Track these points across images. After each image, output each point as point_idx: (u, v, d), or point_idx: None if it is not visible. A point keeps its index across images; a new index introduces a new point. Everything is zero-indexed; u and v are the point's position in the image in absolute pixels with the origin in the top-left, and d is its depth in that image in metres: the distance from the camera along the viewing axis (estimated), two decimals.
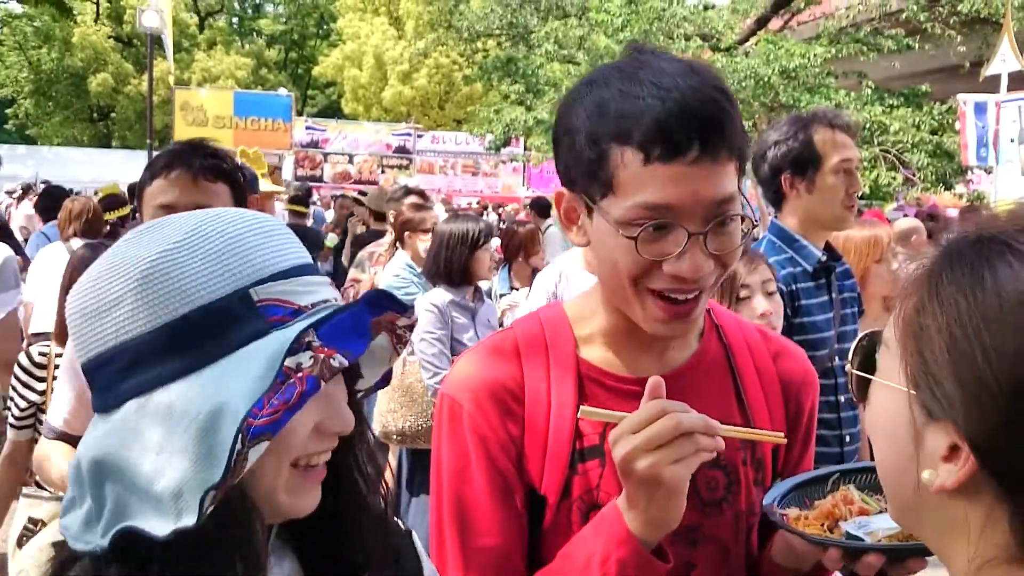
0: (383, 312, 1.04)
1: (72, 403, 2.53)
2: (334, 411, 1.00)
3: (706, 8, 18.52)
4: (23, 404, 3.15)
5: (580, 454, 1.36)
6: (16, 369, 3.20)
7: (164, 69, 30.49)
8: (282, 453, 0.95)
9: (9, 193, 19.35)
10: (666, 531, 1.23)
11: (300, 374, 0.89)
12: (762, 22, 18.84)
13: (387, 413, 4.69)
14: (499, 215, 21.06)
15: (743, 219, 1.28)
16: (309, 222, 11.51)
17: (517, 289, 6.92)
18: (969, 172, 15.85)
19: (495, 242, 6.81)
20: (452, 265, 4.67)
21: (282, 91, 32.29)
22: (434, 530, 1.42)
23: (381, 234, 7.43)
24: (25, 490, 3.11)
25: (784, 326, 2.77)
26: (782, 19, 19.57)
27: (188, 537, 0.84)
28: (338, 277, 8.02)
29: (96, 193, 7.86)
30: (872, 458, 0.99)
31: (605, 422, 1.31)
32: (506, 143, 20.06)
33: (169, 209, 2.14)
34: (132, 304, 0.91)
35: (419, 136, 31.44)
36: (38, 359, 3.19)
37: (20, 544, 2.94)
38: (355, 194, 10.82)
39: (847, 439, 3.00)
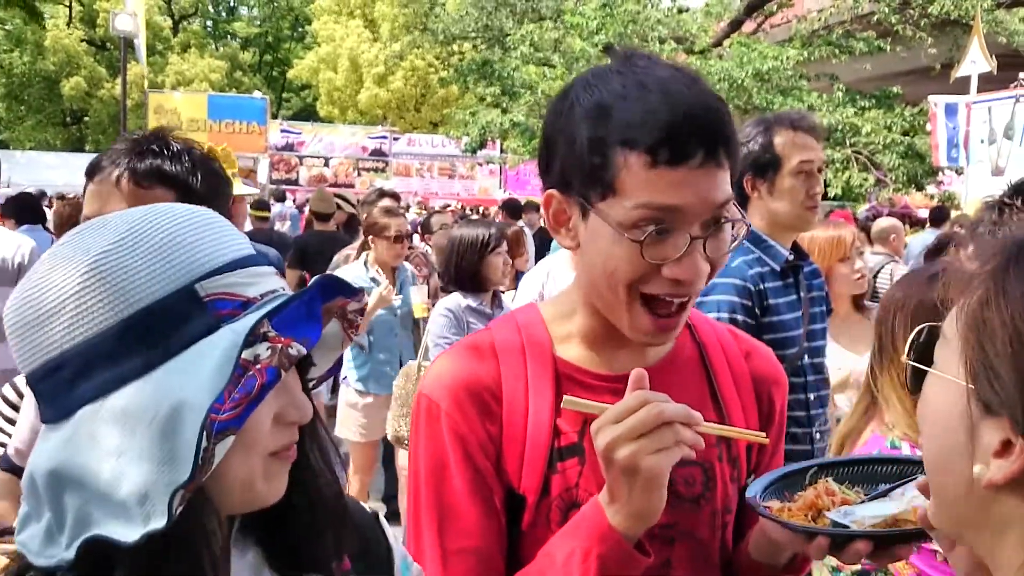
0: (334, 297, 1.04)
1: (27, 432, 2.23)
2: (291, 400, 0.98)
3: (680, 11, 18.62)
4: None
5: (559, 452, 1.36)
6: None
7: (138, 72, 30.28)
8: (248, 446, 0.93)
9: None
10: (647, 524, 1.23)
11: (259, 366, 0.88)
12: (735, 25, 18.97)
13: (399, 418, 4.66)
14: (484, 216, 21.05)
15: (733, 224, 1.30)
16: (279, 226, 11.53)
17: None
18: (940, 173, 16.01)
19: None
20: (463, 271, 4.65)
21: (257, 94, 32.09)
22: (411, 533, 1.41)
23: (327, 235, 7.84)
24: None
25: (753, 325, 2.80)
26: (755, 22, 19.71)
27: (148, 540, 0.83)
28: None
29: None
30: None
31: (584, 419, 1.32)
32: (482, 145, 20.06)
33: None
34: (74, 309, 0.89)
35: (395, 139, 31.36)
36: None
37: None
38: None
39: (817, 436, 3.03)
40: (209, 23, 52.98)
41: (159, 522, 0.82)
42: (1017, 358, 0.80)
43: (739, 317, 2.79)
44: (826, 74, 17.35)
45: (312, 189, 25.18)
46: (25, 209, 7.44)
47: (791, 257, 3.03)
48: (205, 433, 0.84)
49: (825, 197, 2.74)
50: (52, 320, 0.89)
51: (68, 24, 40.99)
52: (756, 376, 1.51)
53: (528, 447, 1.36)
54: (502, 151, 23.54)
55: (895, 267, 7.70)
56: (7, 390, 2.99)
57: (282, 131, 30.14)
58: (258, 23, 52.09)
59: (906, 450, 1.94)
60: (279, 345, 0.90)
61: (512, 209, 11.84)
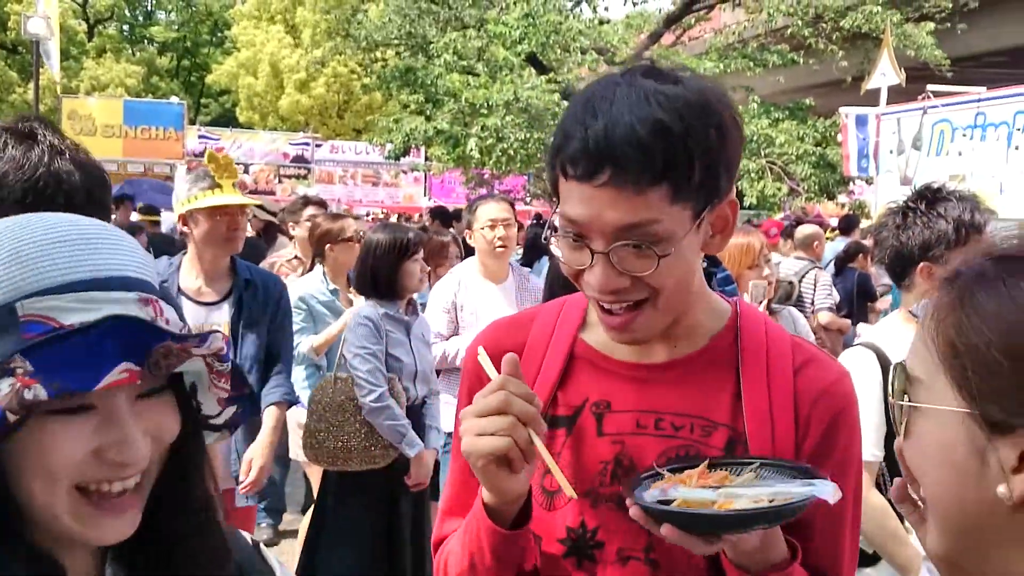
0: (149, 342, 0.90)
1: None
2: (121, 438, 0.91)
3: (601, 23, 18.87)
4: None
5: (551, 420, 1.41)
6: None
7: (51, 77, 29.44)
8: (49, 471, 0.88)
9: None
10: (502, 500, 1.29)
11: None
12: (655, 37, 19.31)
13: (315, 433, 4.29)
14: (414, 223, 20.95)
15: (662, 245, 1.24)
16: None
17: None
18: (851, 182, 16.43)
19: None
20: (379, 276, 4.33)
21: (174, 99, 31.50)
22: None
23: (247, 241, 7.49)
24: None
25: None
26: (674, 34, 20.09)
27: None
28: None
29: None
30: None
31: (584, 399, 1.42)
32: (406, 152, 19.98)
33: None
34: None
35: (317, 145, 30.98)
36: None
37: None
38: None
39: None
40: (126, 27, 51.80)
41: None
42: (1018, 371, 0.81)
43: None
44: (742, 86, 17.71)
45: None
46: None
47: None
48: None
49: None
50: None
51: None
52: (801, 393, 1.40)
53: None
54: (427, 159, 23.46)
55: (819, 273, 7.97)
56: None
57: (200, 137, 29.50)
58: (176, 27, 51.03)
59: None
60: (18, 385, 0.82)
61: (443, 216, 11.80)
